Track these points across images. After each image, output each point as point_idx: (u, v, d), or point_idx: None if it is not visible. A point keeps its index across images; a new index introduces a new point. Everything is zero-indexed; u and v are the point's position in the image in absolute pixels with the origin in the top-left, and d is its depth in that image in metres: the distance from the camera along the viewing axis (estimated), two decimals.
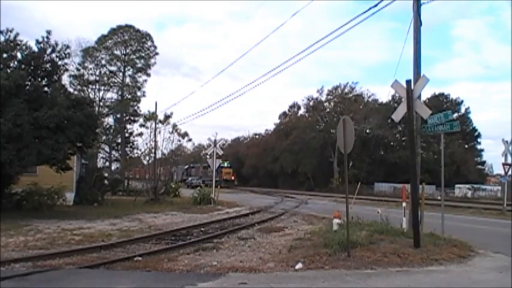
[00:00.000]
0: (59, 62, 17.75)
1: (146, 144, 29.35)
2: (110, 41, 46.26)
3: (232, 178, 56.05)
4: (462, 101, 55.35)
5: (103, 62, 46.05)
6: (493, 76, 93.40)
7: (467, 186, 43.19)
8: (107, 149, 46.95)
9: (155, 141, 27.87)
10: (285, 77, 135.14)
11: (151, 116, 28.61)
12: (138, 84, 47.72)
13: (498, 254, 9.42)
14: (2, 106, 15.06)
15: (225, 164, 55.34)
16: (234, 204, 24.29)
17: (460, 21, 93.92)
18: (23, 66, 16.79)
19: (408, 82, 9.70)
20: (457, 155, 49.49)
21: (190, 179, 56.32)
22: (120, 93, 47.24)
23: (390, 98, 46.79)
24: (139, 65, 47.50)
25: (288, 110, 67.09)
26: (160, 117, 27.83)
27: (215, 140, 27.61)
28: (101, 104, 45.34)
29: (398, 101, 33.19)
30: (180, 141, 29.39)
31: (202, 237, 11.82)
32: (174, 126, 27.55)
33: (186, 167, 63.20)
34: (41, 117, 15.33)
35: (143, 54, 47.48)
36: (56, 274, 7.32)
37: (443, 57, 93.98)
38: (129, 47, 47.05)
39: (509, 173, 23.82)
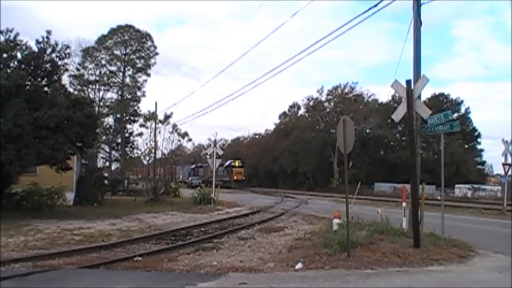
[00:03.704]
0: (59, 62, 17.77)
1: (146, 144, 29.49)
2: (110, 41, 46.22)
3: (244, 178, 53.60)
4: (462, 101, 55.45)
5: (103, 62, 46.04)
6: (493, 76, 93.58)
7: (467, 186, 43.10)
8: (107, 149, 46.99)
9: (155, 141, 27.96)
10: (285, 77, 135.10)
11: (151, 116, 28.68)
12: (138, 84, 47.78)
13: (498, 254, 9.42)
14: (2, 106, 15.06)
15: (237, 164, 53.56)
16: (234, 204, 24.28)
17: (460, 22, 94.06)
18: (23, 66, 16.80)
19: (408, 82, 9.70)
20: (457, 155, 49.46)
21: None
22: (120, 93, 47.22)
23: (390, 98, 46.97)
24: (139, 65, 47.50)
25: (288, 110, 67.23)
26: (160, 117, 28.00)
27: (215, 140, 27.65)
28: (101, 104, 45.30)
29: (398, 101, 33.20)
30: (180, 141, 29.57)
31: (202, 237, 11.82)
32: (174, 126, 27.69)
33: (193, 166, 61.31)
34: (41, 117, 15.34)
35: (143, 54, 47.47)
36: (56, 274, 7.32)
37: (443, 57, 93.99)
38: (129, 47, 47.02)
39: (509, 173, 23.80)
